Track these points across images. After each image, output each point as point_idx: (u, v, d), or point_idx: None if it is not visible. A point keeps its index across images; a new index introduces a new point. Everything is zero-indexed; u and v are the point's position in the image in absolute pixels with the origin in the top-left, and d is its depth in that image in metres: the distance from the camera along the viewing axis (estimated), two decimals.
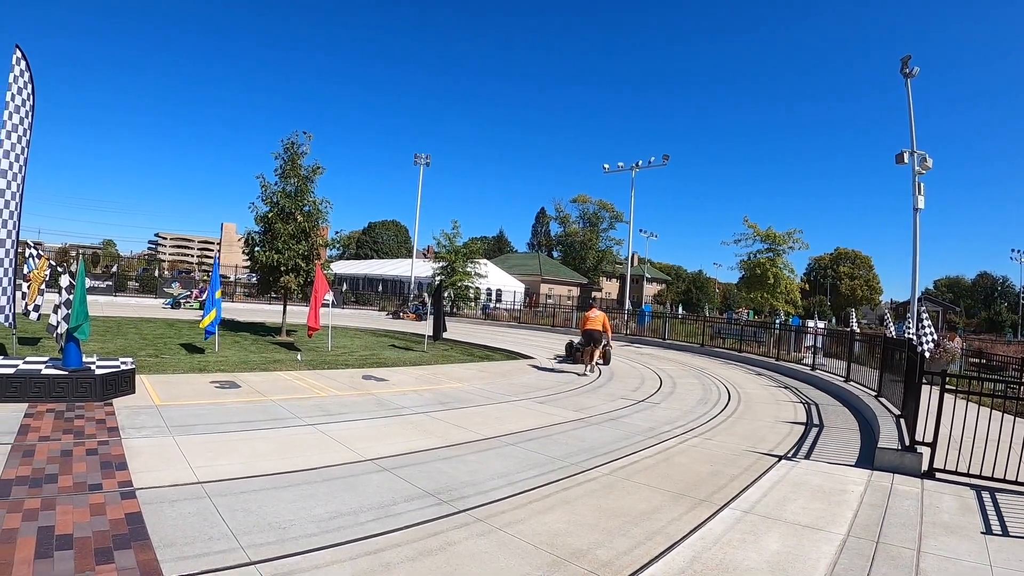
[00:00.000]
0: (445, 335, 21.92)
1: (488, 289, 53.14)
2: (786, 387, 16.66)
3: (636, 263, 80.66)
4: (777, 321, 36.15)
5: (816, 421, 11.83)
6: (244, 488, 5.83)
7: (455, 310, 43.45)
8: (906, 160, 29.30)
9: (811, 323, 34.63)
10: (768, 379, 18.43)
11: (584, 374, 16.59)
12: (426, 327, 21.57)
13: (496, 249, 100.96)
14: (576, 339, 24.92)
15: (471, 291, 44.48)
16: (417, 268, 55.12)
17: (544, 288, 71.21)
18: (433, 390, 12.46)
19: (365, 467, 6.81)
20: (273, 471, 6.41)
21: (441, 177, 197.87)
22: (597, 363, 17.52)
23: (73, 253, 61.72)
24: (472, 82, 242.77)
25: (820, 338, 22.96)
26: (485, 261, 51.16)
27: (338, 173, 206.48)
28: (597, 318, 17.38)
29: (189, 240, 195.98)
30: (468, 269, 43.84)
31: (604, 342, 17.70)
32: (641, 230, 73.83)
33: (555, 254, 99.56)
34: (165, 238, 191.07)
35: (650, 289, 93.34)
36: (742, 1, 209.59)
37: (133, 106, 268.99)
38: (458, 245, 44.25)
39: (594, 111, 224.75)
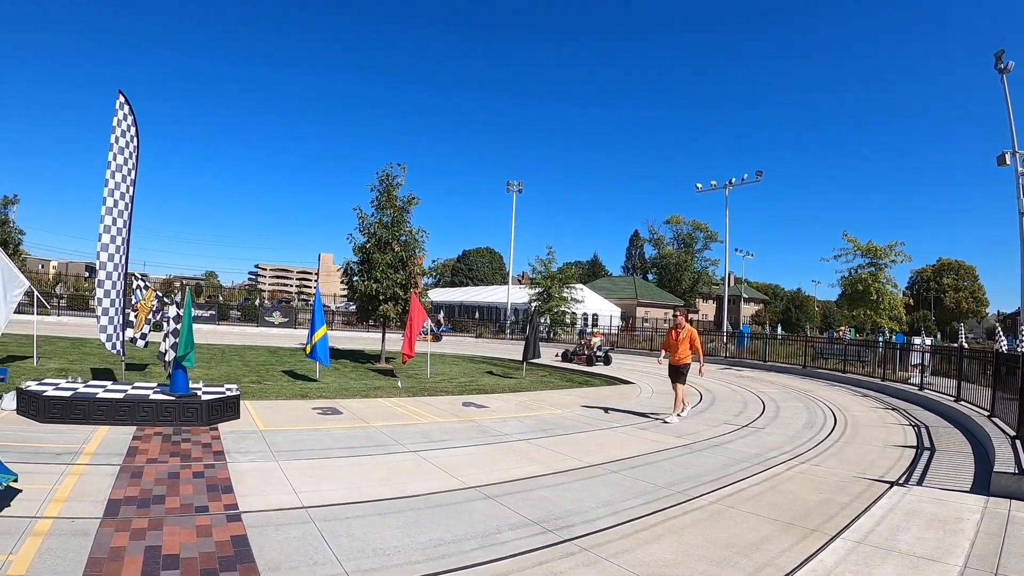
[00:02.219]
0: (537, 360, 21.93)
1: (584, 314, 52.84)
2: (893, 409, 15.95)
3: (732, 283, 78.56)
4: (880, 339, 34.51)
5: (927, 444, 11.20)
6: (348, 514, 5.88)
7: (552, 335, 43.57)
8: (1008, 161, 28.35)
9: (917, 340, 32.85)
10: (874, 400, 17.76)
11: (669, 419, 12.64)
12: (506, 350, 21.54)
13: (591, 273, 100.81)
14: (571, 348, 29.22)
15: (567, 316, 44.38)
16: (513, 295, 55.44)
17: (640, 311, 70.78)
18: (534, 416, 12.41)
19: (469, 495, 6.79)
20: (377, 497, 6.46)
21: (534, 203, 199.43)
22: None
23: (177, 284, 65.54)
24: (562, 105, 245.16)
25: (926, 356, 21.74)
26: (581, 286, 51.08)
27: (432, 202, 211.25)
28: (685, 340, 13.07)
29: (288, 271, 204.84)
30: (564, 294, 43.81)
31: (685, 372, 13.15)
32: (736, 249, 72.00)
33: (650, 277, 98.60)
34: (265, 269, 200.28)
35: (747, 309, 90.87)
36: (831, 12, 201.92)
37: (232, 141, 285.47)
38: (553, 271, 44.35)
39: (686, 129, 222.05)
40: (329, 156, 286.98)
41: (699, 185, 50.99)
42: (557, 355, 28.33)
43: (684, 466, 8.71)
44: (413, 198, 21.34)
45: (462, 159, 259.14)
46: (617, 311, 62.64)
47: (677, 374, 13.05)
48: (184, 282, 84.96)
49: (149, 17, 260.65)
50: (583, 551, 5.23)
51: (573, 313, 45.35)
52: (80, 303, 43.02)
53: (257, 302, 54.07)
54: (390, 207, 20.94)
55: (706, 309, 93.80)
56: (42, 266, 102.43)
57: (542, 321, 41.42)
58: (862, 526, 6.20)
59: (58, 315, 35.87)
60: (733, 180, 48.60)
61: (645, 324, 60.59)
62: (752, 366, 28.34)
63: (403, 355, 17.24)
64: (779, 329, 62.45)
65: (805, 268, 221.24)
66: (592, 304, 58.52)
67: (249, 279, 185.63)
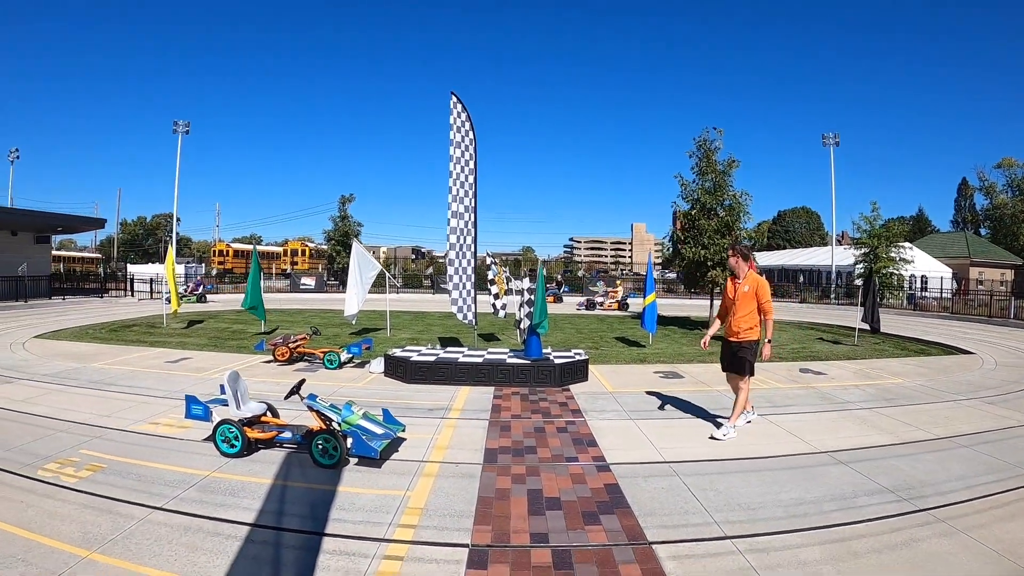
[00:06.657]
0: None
1: (911, 275, 47.34)
2: None
3: None
4: None
5: None
6: (708, 470, 6.35)
7: (880, 299, 40.02)
8: None
9: None
10: None
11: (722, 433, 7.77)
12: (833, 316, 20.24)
13: (916, 230, 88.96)
14: (591, 298, 34.69)
15: (895, 278, 40.25)
16: (837, 256, 51.83)
17: (974, 272, 61.68)
18: (874, 385, 11.88)
19: (820, 459, 6.91)
20: (733, 456, 6.85)
21: (850, 156, 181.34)
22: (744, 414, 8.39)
23: (495, 261, 71.69)
24: (877, 51, 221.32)
25: None
26: (909, 245, 45.82)
27: (746, 164, 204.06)
28: (748, 297, 8.09)
29: (601, 242, 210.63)
30: (892, 254, 39.69)
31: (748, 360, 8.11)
32: None
33: (983, 231, 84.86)
34: (579, 241, 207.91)
35: None
36: None
37: (550, 122, 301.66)
38: (878, 228, 40.32)
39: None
40: (640, 126, 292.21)
41: None
42: (579, 305, 33.36)
43: None
44: (733, 161, 21.18)
45: (775, 115, 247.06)
46: (948, 272, 55.28)
47: (733, 358, 8.32)
48: (505, 258, 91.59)
49: (479, 24, 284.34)
50: (939, 521, 5.24)
51: (901, 275, 40.92)
52: (414, 282, 50.22)
53: (576, 273, 56.81)
54: (711, 172, 21.00)
55: None
56: (373, 252, 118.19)
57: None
58: None
59: (397, 293, 42.15)
60: None
61: (980, 286, 53.02)
62: None
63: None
64: None
65: None
66: (920, 264, 51.97)
67: (564, 251, 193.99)
